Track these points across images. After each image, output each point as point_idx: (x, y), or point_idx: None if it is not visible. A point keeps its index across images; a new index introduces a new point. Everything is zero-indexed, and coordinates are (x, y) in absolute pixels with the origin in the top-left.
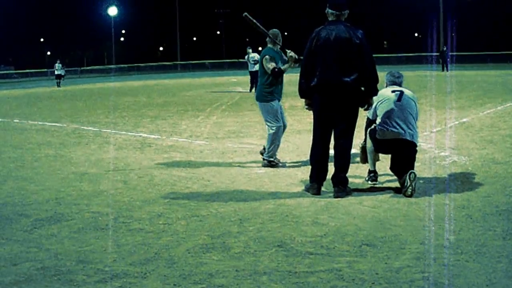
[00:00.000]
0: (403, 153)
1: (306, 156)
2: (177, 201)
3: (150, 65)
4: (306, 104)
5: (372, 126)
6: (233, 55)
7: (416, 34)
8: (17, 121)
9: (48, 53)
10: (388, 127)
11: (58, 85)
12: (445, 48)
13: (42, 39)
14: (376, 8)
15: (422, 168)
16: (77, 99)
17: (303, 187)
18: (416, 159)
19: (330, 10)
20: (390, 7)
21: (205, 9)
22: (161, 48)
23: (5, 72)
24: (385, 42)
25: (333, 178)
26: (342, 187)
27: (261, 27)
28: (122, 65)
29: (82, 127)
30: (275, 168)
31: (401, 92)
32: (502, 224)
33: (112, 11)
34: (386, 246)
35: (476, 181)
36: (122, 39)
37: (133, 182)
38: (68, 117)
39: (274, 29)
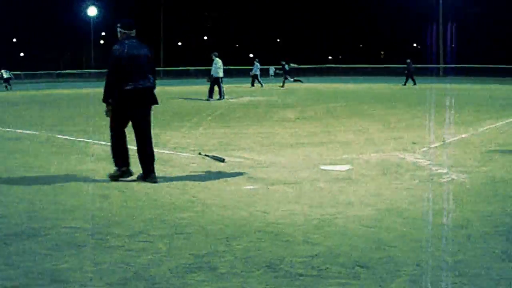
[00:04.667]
0: None
1: (300, 173)
2: (160, 217)
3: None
4: (108, 110)
5: None
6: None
7: (414, 45)
8: None
9: (21, 54)
10: None
11: (8, 88)
12: (409, 60)
13: (14, 40)
14: (373, 18)
15: (419, 186)
16: (51, 105)
17: (294, 205)
18: (414, 176)
19: (122, 30)
20: (387, 17)
21: (192, 12)
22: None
23: None
24: (381, 52)
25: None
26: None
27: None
28: (102, 70)
29: (58, 136)
30: (265, 184)
31: None
32: (502, 245)
33: (92, 11)
34: (381, 268)
35: (476, 200)
36: (102, 42)
37: (112, 196)
38: (42, 125)
39: None
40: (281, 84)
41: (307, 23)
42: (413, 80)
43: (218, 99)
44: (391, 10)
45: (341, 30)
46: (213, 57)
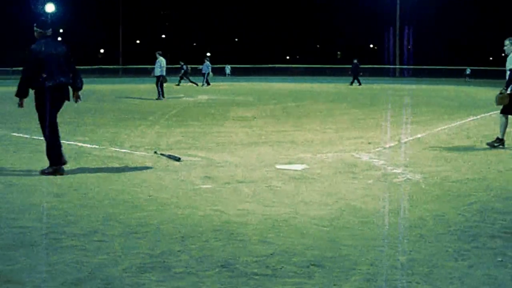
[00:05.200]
0: None
1: (255, 172)
2: (115, 216)
3: (90, 68)
4: (21, 103)
5: None
6: (178, 60)
7: (371, 46)
8: None
9: None
10: None
11: None
12: (355, 61)
13: None
14: (330, 19)
15: (374, 185)
16: (6, 103)
17: (250, 204)
18: (369, 176)
19: (38, 29)
20: (345, 18)
21: (150, 11)
22: (102, 51)
23: None
24: (338, 53)
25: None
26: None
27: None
28: None
29: (13, 134)
30: (221, 183)
31: None
32: (455, 245)
33: (49, 8)
34: (336, 267)
35: (429, 200)
36: (59, 39)
37: (67, 195)
38: None
39: None
40: (177, 83)
41: (264, 23)
42: (358, 80)
43: (157, 99)
44: (349, 11)
45: (299, 31)
46: (157, 55)
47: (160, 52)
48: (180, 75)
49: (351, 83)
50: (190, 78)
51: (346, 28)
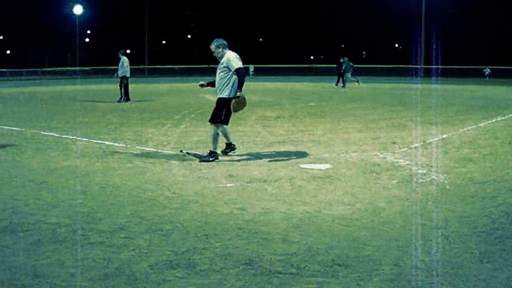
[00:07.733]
0: None
1: (279, 171)
2: (141, 213)
3: (116, 68)
4: None
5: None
6: (204, 60)
7: (396, 45)
8: None
9: (8, 52)
10: None
11: None
12: (342, 60)
13: (1, 37)
14: (355, 18)
15: (398, 185)
16: (36, 102)
17: (273, 203)
18: (393, 176)
19: None
20: (370, 17)
21: (176, 11)
22: (128, 51)
23: None
24: (364, 52)
25: None
26: None
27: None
28: (86, 68)
29: (42, 132)
30: (245, 182)
31: None
32: (480, 246)
33: (77, 9)
34: (359, 267)
35: (454, 201)
36: (87, 40)
37: (94, 193)
38: (27, 121)
39: None
40: None
41: (289, 23)
42: (343, 80)
43: (118, 101)
44: (374, 11)
45: (323, 30)
46: (120, 55)
47: (122, 51)
48: None
49: (342, 85)
50: None
51: (371, 28)
